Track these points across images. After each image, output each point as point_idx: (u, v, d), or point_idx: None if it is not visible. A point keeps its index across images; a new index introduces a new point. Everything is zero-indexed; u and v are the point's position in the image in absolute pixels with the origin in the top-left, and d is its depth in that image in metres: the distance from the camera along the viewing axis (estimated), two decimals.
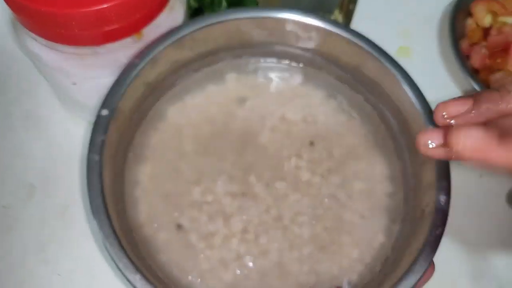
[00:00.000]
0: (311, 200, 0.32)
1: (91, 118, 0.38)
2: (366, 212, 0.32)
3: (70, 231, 0.36)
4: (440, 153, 0.22)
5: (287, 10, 0.32)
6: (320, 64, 0.35)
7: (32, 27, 0.29)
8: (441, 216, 0.27)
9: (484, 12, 0.42)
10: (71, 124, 0.39)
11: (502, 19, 0.42)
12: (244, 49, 0.35)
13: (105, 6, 0.27)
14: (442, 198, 0.27)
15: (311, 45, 0.34)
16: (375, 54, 0.31)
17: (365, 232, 0.31)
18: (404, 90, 0.31)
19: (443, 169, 0.28)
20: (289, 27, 0.33)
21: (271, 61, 0.35)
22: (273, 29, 0.33)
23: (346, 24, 0.43)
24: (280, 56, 0.35)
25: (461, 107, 0.22)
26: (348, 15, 0.42)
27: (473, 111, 0.22)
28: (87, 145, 0.28)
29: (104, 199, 0.27)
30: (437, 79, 0.44)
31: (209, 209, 0.31)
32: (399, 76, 0.31)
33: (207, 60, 0.34)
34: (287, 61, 0.36)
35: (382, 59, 0.31)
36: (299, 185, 0.32)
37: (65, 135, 0.39)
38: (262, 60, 0.35)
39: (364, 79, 0.33)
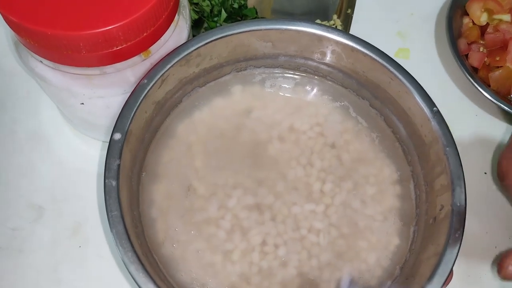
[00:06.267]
0: (325, 208, 0.32)
1: (100, 136, 0.38)
2: (379, 216, 0.32)
3: (83, 250, 0.35)
4: None
5: (289, 22, 0.32)
6: (325, 72, 0.35)
7: (37, 50, 0.29)
8: (459, 219, 0.27)
9: (479, 11, 0.43)
10: (78, 143, 0.38)
11: (498, 16, 0.43)
12: (248, 61, 0.35)
13: (113, 26, 0.27)
14: (459, 201, 0.28)
15: (314, 54, 0.34)
16: (380, 60, 0.32)
17: (380, 235, 0.32)
18: (411, 94, 0.31)
19: (457, 173, 0.29)
20: (291, 38, 0.33)
21: (276, 72, 0.36)
22: (276, 41, 0.33)
23: (344, 28, 0.43)
24: (284, 66, 0.35)
25: None
26: (346, 20, 0.42)
27: None
28: (101, 168, 0.28)
29: (125, 224, 0.26)
30: (437, 80, 0.45)
31: (226, 225, 0.31)
32: (405, 81, 0.31)
33: (212, 75, 0.34)
34: (291, 71, 0.36)
35: (387, 65, 0.32)
36: (312, 194, 0.32)
37: (71, 154, 0.38)
38: (267, 71, 0.36)
39: (369, 85, 0.34)
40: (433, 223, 0.29)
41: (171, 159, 0.33)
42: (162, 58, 0.30)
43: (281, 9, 0.45)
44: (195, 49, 0.31)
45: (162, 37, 0.31)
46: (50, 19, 0.27)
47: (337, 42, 0.32)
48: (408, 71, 0.32)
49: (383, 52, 0.32)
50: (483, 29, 0.44)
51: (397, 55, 0.46)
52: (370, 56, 0.32)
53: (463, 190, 0.28)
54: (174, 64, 0.30)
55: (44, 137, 0.39)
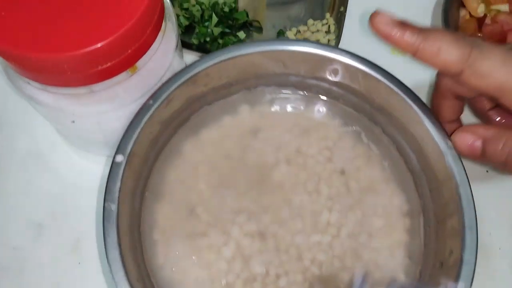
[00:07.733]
0: (331, 240, 0.31)
1: (97, 150, 0.37)
2: (385, 251, 0.31)
3: (83, 267, 0.35)
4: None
5: (300, 43, 0.31)
6: (337, 95, 0.34)
7: (23, 72, 0.28)
8: (468, 270, 0.26)
9: (476, 2, 0.41)
10: (74, 159, 0.38)
11: (496, 7, 0.41)
12: (259, 79, 0.34)
13: (96, 46, 0.26)
14: (470, 251, 0.26)
15: (326, 76, 0.33)
16: (395, 88, 0.30)
17: (385, 271, 0.31)
18: (426, 127, 0.30)
19: (469, 217, 0.27)
20: (303, 59, 0.32)
21: (286, 92, 0.35)
22: (287, 60, 0.32)
23: (337, 27, 0.42)
24: (295, 86, 0.34)
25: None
26: (339, 18, 0.41)
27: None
28: (103, 183, 0.27)
29: (121, 251, 0.26)
30: (434, 75, 0.42)
31: (227, 252, 0.30)
32: (420, 113, 0.30)
33: (221, 94, 0.34)
34: (302, 92, 0.35)
35: (402, 94, 0.30)
36: (318, 224, 0.31)
37: (68, 170, 0.38)
38: (277, 90, 0.34)
39: (383, 111, 0.32)
40: (440, 268, 0.28)
41: (175, 178, 0.32)
42: (169, 79, 0.29)
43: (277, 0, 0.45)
44: (202, 70, 0.30)
45: (149, 49, 0.30)
46: (32, 41, 0.26)
47: (348, 66, 0.31)
48: (425, 104, 0.30)
49: (398, 80, 0.30)
50: (480, 21, 0.41)
51: (393, 52, 0.43)
52: (386, 84, 0.31)
53: (475, 238, 0.27)
54: (180, 85, 0.30)
55: (41, 154, 0.38)
